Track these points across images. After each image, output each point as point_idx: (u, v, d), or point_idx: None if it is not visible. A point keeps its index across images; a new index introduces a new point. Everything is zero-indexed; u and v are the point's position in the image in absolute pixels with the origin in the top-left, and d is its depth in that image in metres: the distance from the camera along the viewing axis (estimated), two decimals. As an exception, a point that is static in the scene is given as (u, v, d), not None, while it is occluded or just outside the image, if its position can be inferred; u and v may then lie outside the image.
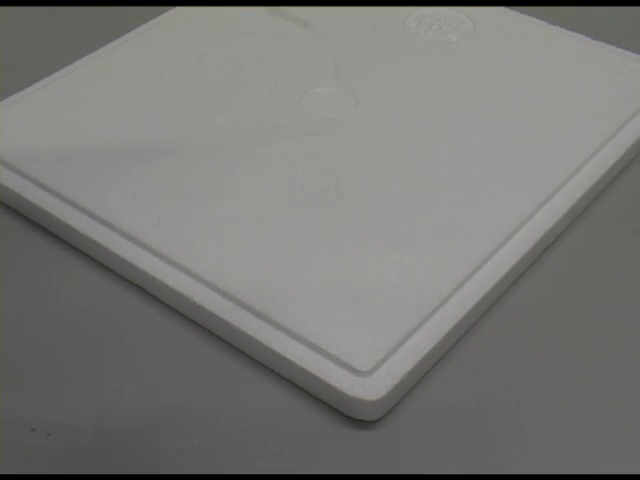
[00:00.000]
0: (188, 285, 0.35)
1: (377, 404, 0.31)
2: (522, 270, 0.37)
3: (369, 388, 0.31)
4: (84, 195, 0.38)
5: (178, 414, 0.32)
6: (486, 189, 0.39)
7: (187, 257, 0.36)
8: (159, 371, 0.34)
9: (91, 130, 0.42)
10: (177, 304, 0.35)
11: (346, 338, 0.33)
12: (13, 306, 0.36)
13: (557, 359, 0.34)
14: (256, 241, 0.37)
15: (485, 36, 0.48)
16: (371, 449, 0.31)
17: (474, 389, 0.33)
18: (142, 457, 0.31)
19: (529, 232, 0.37)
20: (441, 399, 0.33)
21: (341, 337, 0.33)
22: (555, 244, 0.38)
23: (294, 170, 0.40)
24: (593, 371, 0.33)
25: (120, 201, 0.38)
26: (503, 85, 0.45)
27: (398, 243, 0.36)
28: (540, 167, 0.40)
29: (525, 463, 0.31)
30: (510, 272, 0.36)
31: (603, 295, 0.36)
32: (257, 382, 0.33)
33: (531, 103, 0.43)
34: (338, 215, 0.38)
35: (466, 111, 0.43)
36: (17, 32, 0.52)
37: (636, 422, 0.32)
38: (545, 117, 0.42)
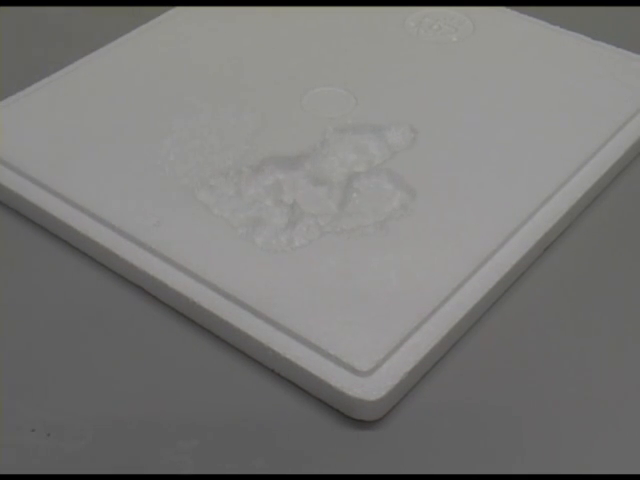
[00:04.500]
0: (188, 285, 0.35)
1: (377, 404, 0.31)
2: (522, 270, 0.37)
3: (369, 388, 0.31)
4: (84, 195, 0.38)
5: (178, 414, 0.32)
6: (486, 189, 0.39)
7: (187, 257, 0.36)
8: (159, 371, 0.34)
9: (91, 130, 0.42)
10: (177, 304, 0.35)
11: (346, 338, 0.33)
12: (13, 306, 0.36)
13: (557, 359, 0.34)
14: (256, 241, 0.37)
15: (485, 36, 0.48)
16: (371, 449, 0.31)
17: (474, 389, 0.33)
18: (142, 457, 0.31)
19: (529, 232, 0.37)
20: (441, 399, 0.33)
21: (341, 337, 0.33)
22: (555, 244, 0.38)
23: (294, 170, 0.40)
24: (593, 371, 0.33)
25: (120, 201, 0.38)
26: (503, 85, 0.45)
27: (398, 243, 0.36)
28: (540, 167, 0.40)
29: (525, 463, 0.31)
30: (510, 272, 0.36)
31: (603, 295, 0.36)
32: (257, 382, 0.33)
33: (531, 103, 0.43)
34: (338, 215, 0.38)
35: (466, 111, 0.43)
36: (17, 32, 0.52)
37: (636, 422, 0.32)
38: (545, 117, 0.42)
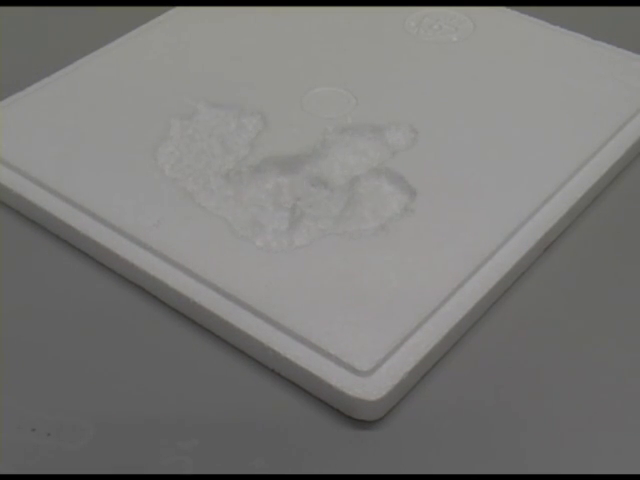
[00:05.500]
0: (188, 285, 0.35)
1: (377, 404, 0.31)
2: (522, 270, 0.37)
3: (369, 388, 0.31)
4: (84, 195, 0.38)
5: (178, 414, 0.32)
6: (486, 188, 0.39)
7: (187, 257, 0.36)
8: (159, 371, 0.34)
9: (91, 130, 0.42)
10: (177, 304, 0.35)
11: (346, 338, 0.33)
12: (13, 306, 0.36)
13: (557, 359, 0.34)
14: (256, 241, 0.37)
15: (485, 36, 0.48)
16: (371, 449, 0.31)
17: (474, 389, 0.33)
18: (142, 457, 0.31)
19: (529, 232, 0.37)
20: (441, 399, 0.33)
21: (341, 337, 0.33)
22: (555, 244, 0.38)
23: (294, 171, 0.40)
24: (593, 371, 0.33)
25: (120, 201, 0.38)
26: (503, 85, 0.45)
27: (398, 243, 0.36)
28: (540, 167, 0.40)
29: (525, 463, 0.31)
30: (510, 272, 0.36)
31: (603, 295, 0.36)
32: (257, 382, 0.33)
33: (531, 103, 0.43)
34: (338, 216, 0.38)
35: (466, 111, 0.43)
36: (17, 32, 0.52)
37: (636, 422, 0.32)
38: (545, 117, 0.42)
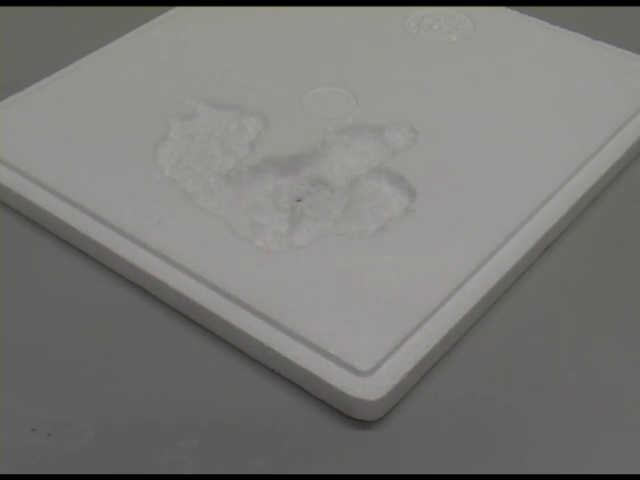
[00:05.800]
0: (188, 285, 0.35)
1: (377, 404, 0.31)
2: (522, 270, 0.37)
3: (369, 388, 0.31)
4: (84, 195, 0.38)
5: (178, 414, 0.32)
6: (486, 189, 0.39)
7: (187, 257, 0.36)
8: (159, 371, 0.34)
9: (91, 130, 0.42)
10: (177, 304, 0.35)
11: (346, 338, 0.33)
12: (13, 306, 0.36)
13: (557, 359, 0.34)
14: (256, 241, 0.37)
15: (485, 36, 0.48)
16: (371, 449, 0.31)
17: (474, 389, 0.33)
18: (142, 457, 0.31)
19: (529, 232, 0.37)
20: (441, 399, 0.33)
21: (341, 337, 0.33)
22: (555, 244, 0.38)
23: (294, 171, 0.40)
24: (593, 371, 0.33)
25: (120, 201, 0.38)
26: (503, 85, 0.45)
27: (398, 243, 0.36)
28: (540, 167, 0.40)
29: (525, 463, 0.31)
30: (510, 272, 0.36)
31: (603, 295, 0.36)
32: (257, 382, 0.33)
33: (531, 103, 0.43)
34: (338, 216, 0.38)
35: (466, 111, 0.43)
36: (17, 32, 0.52)
37: (636, 422, 0.32)
38: (545, 117, 0.42)
